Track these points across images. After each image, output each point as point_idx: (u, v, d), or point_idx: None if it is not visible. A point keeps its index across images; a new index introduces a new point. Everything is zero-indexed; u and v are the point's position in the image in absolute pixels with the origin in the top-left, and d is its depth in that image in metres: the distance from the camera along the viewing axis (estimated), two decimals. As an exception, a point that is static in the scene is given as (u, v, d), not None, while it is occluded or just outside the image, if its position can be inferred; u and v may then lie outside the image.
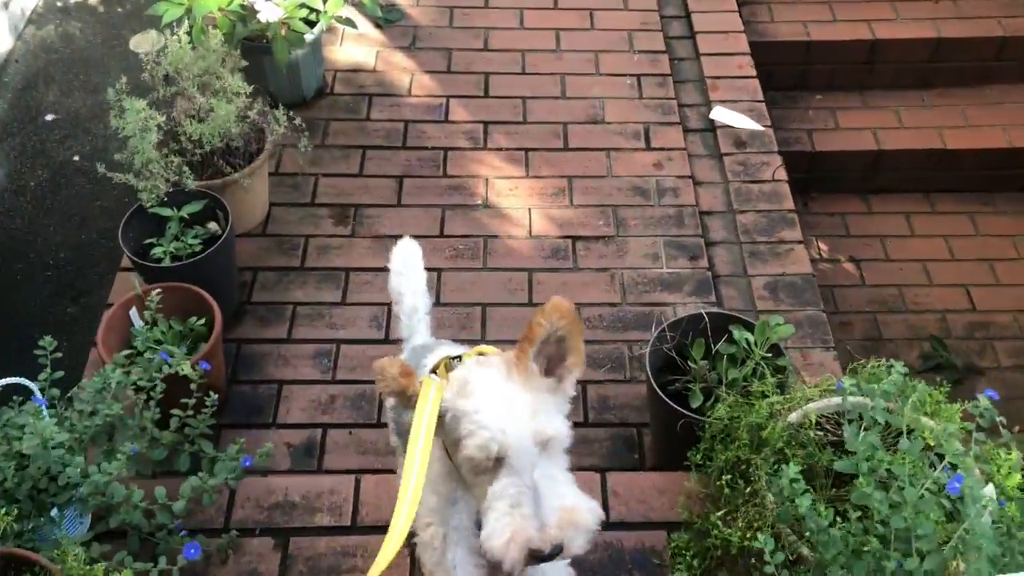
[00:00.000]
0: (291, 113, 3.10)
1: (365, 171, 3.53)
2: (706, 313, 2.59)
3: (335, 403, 2.84)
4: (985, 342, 3.93)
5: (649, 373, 2.52)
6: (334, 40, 4.02)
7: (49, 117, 4.54)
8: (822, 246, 4.32)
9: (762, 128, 3.72)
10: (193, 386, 2.29)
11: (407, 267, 2.25)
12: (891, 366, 2.12)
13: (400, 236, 3.15)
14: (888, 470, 1.76)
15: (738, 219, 3.40)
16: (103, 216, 4.00)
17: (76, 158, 4.31)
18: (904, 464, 1.68)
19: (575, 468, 2.61)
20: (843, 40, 4.45)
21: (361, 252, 3.26)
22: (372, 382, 2.85)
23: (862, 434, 1.90)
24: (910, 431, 1.85)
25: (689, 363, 2.56)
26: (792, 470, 1.72)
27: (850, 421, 1.97)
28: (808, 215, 4.45)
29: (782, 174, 3.56)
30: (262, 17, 3.09)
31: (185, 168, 2.83)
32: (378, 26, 4.12)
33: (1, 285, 3.81)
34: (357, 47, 4.03)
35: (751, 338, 2.48)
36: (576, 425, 2.71)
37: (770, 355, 2.46)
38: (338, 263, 3.22)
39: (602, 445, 2.74)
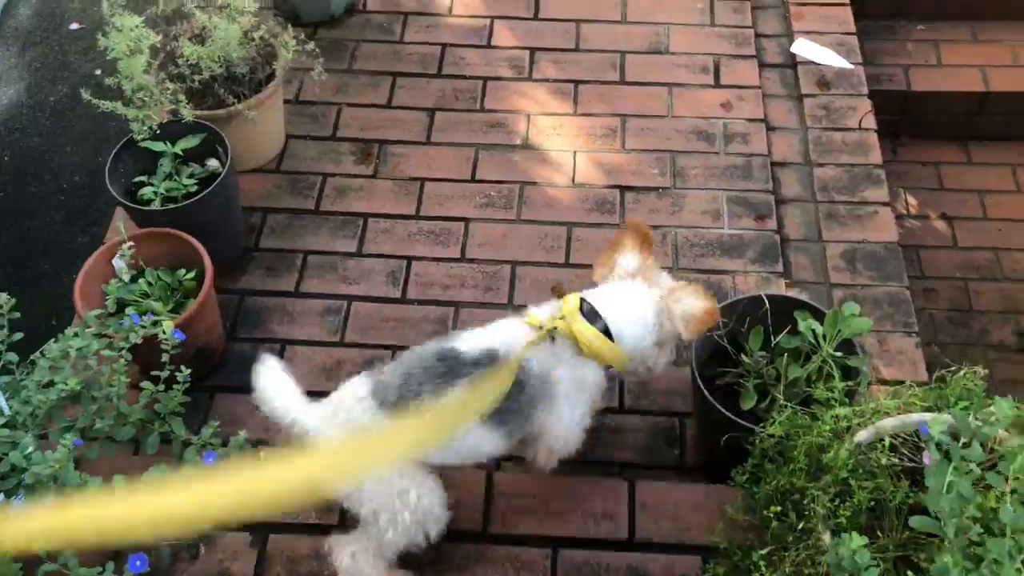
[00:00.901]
0: (303, 35, 2.73)
1: (394, 101, 3.16)
2: (767, 297, 2.19)
3: (342, 369, 2.54)
4: (1093, 319, 3.44)
5: (694, 366, 2.15)
6: (369, -50, 3.59)
7: (74, 26, 4.24)
8: (911, 200, 3.82)
9: (851, 66, 3.22)
10: (165, 357, 2.00)
11: (277, 393, 1.78)
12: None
13: (426, 179, 2.89)
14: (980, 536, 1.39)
15: (815, 173, 2.94)
16: (119, 138, 3.70)
17: (98, 72, 4.01)
18: (1003, 539, 1.30)
19: (605, 462, 2.35)
20: (955, -39, 3.85)
21: (383, 195, 2.91)
22: (384, 347, 2.56)
23: (948, 478, 1.51)
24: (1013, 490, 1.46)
25: (744, 355, 2.18)
26: (856, 542, 1.35)
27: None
28: (897, 163, 3.94)
29: (870, 122, 3.07)
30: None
31: (181, 97, 2.50)
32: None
33: (15, 210, 3.58)
34: (395, -41, 3.59)
35: (819, 330, 2.09)
36: (609, 411, 2.41)
37: (841, 353, 2.07)
38: (357, 207, 2.88)
39: (638, 437, 2.40)
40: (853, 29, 3.35)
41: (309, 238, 2.81)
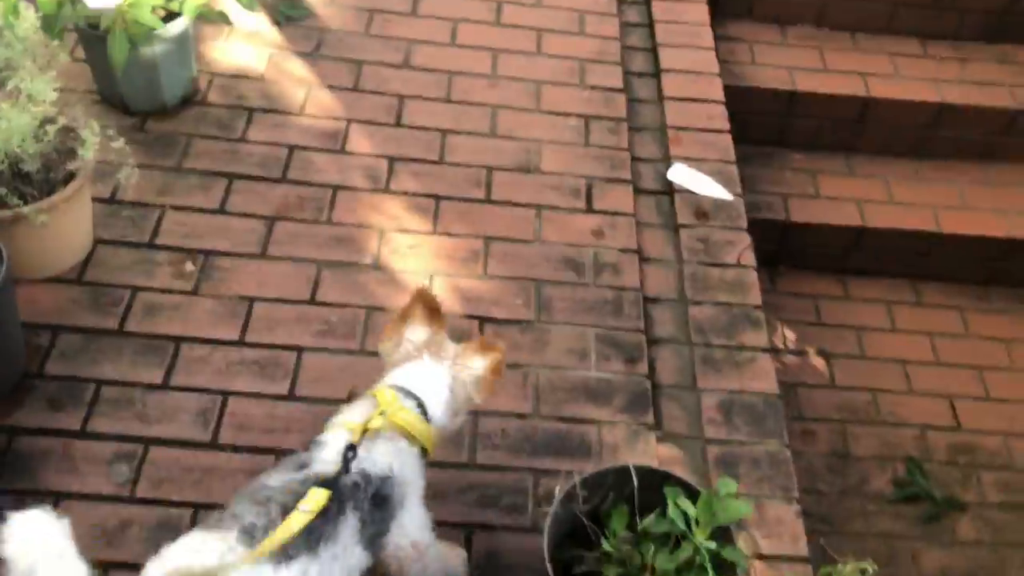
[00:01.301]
0: (118, 128, 2.34)
1: (227, 207, 2.77)
2: (635, 469, 1.88)
3: (126, 533, 2.07)
4: (970, 470, 3.28)
5: (546, 550, 1.80)
6: (217, 34, 3.25)
7: None
8: (788, 334, 3.64)
9: (730, 197, 3.04)
10: None
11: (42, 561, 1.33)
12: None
13: (256, 299, 2.50)
14: None
15: (691, 312, 2.70)
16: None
17: None
18: None
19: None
20: (833, 94, 3.80)
21: (202, 316, 2.49)
22: (185, 504, 2.11)
23: None
24: None
25: (605, 537, 1.84)
26: None
27: None
28: (774, 294, 3.78)
29: (750, 258, 2.87)
30: (91, 3, 2.32)
31: (-57, 196, 2.05)
32: (276, 23, 3.36)
33: None
34: (246, 46, 3.26)
35: (692, 512, 1.78)
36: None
37: (716, 542, 1.76)
38: (168, 329, 2.45)
39: (479, 630, 2.01)
40: (733, 157, 3.19)
41: (106, 364, 2.36)
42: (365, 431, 1.63)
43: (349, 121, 3.07)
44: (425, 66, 3.31)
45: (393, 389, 1.73)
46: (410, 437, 1.69)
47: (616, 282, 2.73)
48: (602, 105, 3.28)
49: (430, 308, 1.85)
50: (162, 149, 2.88)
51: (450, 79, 3.27)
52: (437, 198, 2.88)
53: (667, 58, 3.51)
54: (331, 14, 3.44)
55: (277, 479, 1.54)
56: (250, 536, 1.41)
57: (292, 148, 2.95)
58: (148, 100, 2.91)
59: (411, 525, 1.74)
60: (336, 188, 2.86)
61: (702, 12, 3.76)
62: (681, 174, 3.08)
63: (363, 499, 1.56)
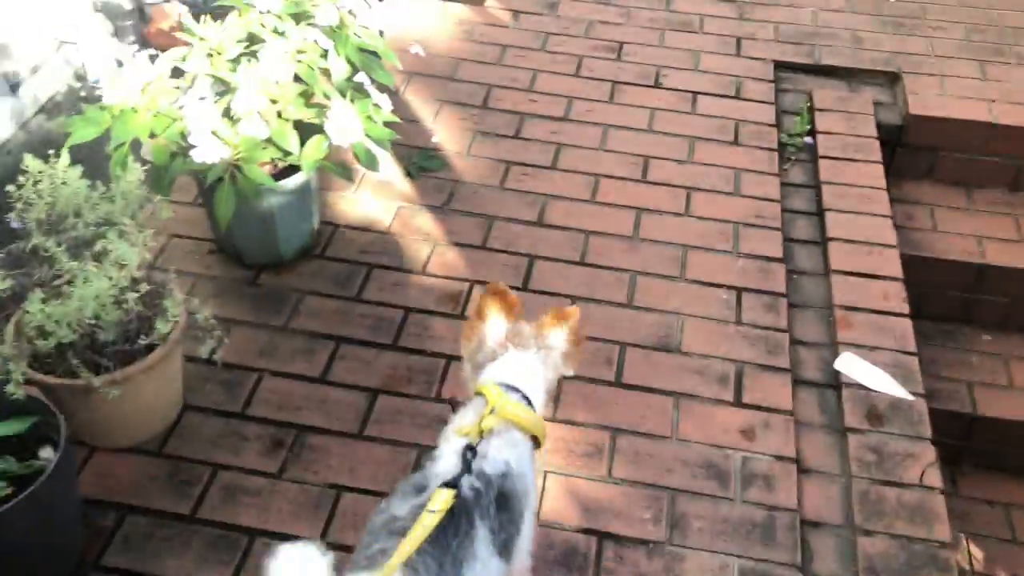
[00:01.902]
0: (197, 301, 2.13)
1: (330, 375, 2.52)
2: None
3: None
4: None
5: None
6: (346, 184, 3.09)
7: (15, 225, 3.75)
8: (974, 551, 3.03)
9: (910, 397, 2.54)
10: None
11: None
12: None
13: (345, 488, 2.20)
14: None
15: (860, 544, 2.19)
16: None
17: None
18: None
19: None
20: (1031, 269, 3.27)
21: (283, 506, 2.20)
22: None
23: None
24: None
25: None
26: None
27: None
28: (957, 499, 3.20)
29: (935, 477, 2.35)
30: (196, 157, 2.16)
31: (11, 365, 1.87)
32: (409, 175, 3.18)
33: None
34: (375, 197, 3.09)
35: None
36: None
37: None
38: (245, 519, 2.16)
39: None
40: (914, 347, 2.70)
41: (170, 559, 2.08)
42: (481, 432, 1.61)
43: (472, 283, 2.80)
44: (560, 224, 3.02)
45: (496, 385, 1.69)
46: (522, 429, 1.67)
47: (768, 499, 2.26)
48: (757, 276, 2.88)
49: (503, 300, 1.81)
50: (272, 305, 2.68)
51: (586, 239, 2.97)
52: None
53: (835, 224, 3.10)
54: (467, 166, 3.24)
55: (403, 507, 1.49)
56: (413, 570, 1.38)
57: (408, 311, 2.70)
58: (263, 252, 2.74)
59: (525, 536, 1.69)
60: (450, 358, 2.56)
61: (876, 173, 3.34)
62: (851, 365, 2.61)
63: (488, 504, 1.53)
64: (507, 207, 3.07)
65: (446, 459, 1.59)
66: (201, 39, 2.40)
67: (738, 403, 2.50)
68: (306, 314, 2.68)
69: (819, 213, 3.19)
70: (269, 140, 2.34)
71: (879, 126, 3.56)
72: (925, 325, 3.27)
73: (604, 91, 3.63)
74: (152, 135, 2.27)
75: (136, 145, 2.28)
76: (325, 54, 2.45)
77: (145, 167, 2.19)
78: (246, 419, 2.39)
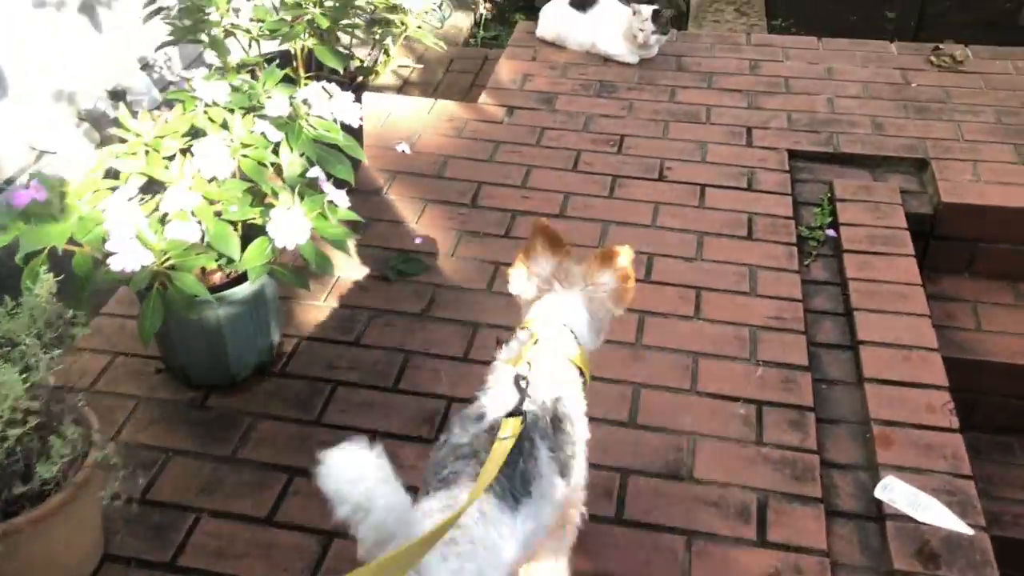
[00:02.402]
0: (96, 433, 1.79)
1: (280, 514, 2.15)
2: None
3: None
4: None
5: None
6: (316, 290, 2.79)
7: None
8: None
9: (969, 531, 2.12)
10: None
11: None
12: None
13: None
14: None
15: None
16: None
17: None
18: None
19: None
20: (1099, 376, 2.86)
21: None
22: None
23: None
24: None
25: None
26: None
27: None
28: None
29: (1008, 636, 1.92)
30: (113, 265, 1.87)
31: None
32: (387, 278, 2.88)
33: None
34: (346, 305, 2.78)
35: None
36: None
37: None
38: None
39: None
40: (968, 468, 2.29)
41: None
42: (528, 363, 1.64)
43: (451, 400, 2.45)
44: (553, 332, 2.68)
45: (541, 319, 1.74)
46: (568, 360, 1.69)
47: (802, 666, 1.84)
48: (780, 388, 2.51)
49: (550, 239, 1.81)
50: (219, 432, 2.35)
51: (583, 349, 2.62)
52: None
53: (866, 326, 2.73)
54: (451, 268, 2.93)
55: (465, 436, 1.54)
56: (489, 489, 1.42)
57: (375, 435, 2.34)
58: (212, 371, 2.42)
59: (580, 462, 1.71)
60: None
61: (908, 267, 2.99)
62: (894, 492, 2.21)
63: (545, 427, 1.58)
64: (493, 313, 2.75)
65: (498, 388, 1.63)
66: (136, 134, 2.15)
67: (762, 542, 2.09)
68: (257, 441, 2.33)
69: (847, 313, 2.83)
70: (208, 244, 2.04)
71: (908, 216, 3.23)
72: (977, 438, 2.87)
73: (604, 186, 3.34)
74: (73, 242, 1.98)
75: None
76: (276, 148, 2.18)
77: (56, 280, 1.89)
78: (176, 572, 2.02)
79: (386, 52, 2.97)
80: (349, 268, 2.91)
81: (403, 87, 4.69)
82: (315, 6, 2.71)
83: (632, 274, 1.80)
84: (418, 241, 3.04)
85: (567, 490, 1.64)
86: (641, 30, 4.06)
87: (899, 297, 2.85)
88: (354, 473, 1.28)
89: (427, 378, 2.53)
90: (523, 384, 1.59)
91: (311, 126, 2.25)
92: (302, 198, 2.11)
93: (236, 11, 2.62)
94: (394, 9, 2.85)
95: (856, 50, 4.28)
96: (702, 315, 2.77)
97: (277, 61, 2.77)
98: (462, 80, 4.65)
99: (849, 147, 3.57)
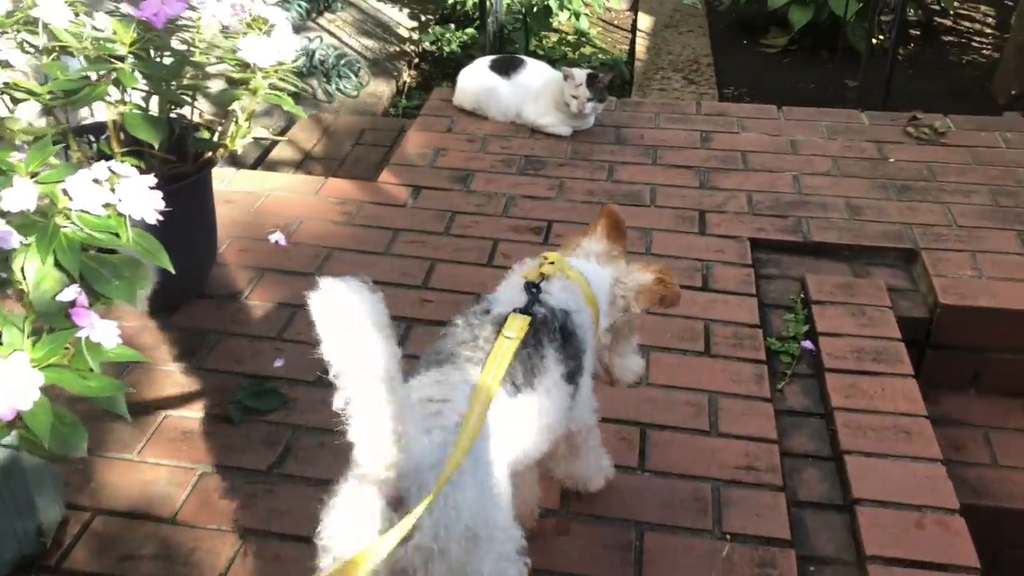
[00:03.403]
0: None
1: None
2: None
3: None
4: None
5: None
6: (131, 440, 2.06)
7: None
8: None
9: None
10: None
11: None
12: None
13: None
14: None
15: None
16: None
17: None
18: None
19: None
20: None
21: None
22: None
23: None
24: None
25: None
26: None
27: None
28: None
29: None
30: None
31: None
32: (229, 419, 2.16)
33: None
34: (166, 460, 2.05)
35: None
36: None
37: None
38: None
39: None
40: None
41: None
42: (542, 275, 1.62)
43: (294, 609, 1.72)
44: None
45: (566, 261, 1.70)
46: (584, 291, 1.65)
47: None
48: (754, 573, 1.82)
49: (615, 225, 1.82)
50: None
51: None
52: None
53: (861, 477, 2.07)
54: (319, 401, 2.22)
55: (467, 326, 1.52)
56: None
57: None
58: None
59: (584, 397, 1.70)
60: None
61: (909, 392, 2.36)
62: None
63: (555, 331, 1.55)
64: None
65: (508, 291, 1.61)
66: None
67: None
68: None
69: (835, 458, 2.17)
70: None
71: (900, 321, 2.61)
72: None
73: (525, 286, 2.68)
74: None
75: None
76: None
77: None
78: None
79: (237, 121, 2.30)
80: (179, 404, 2.19)
81: (303, 163, 4.04)
82: (130, 58, 2.04)
83: (672, 287, 1.75)
84: (278, 364, 2.33)
85: (571, 404, 1.62)
86: (574, 97, 3.46)
87: (900, 434, 2.20)
88: (351, 303, 1.14)
89: (271, 568, 1.80)
90: (533, 291, 1.57)
91: (77, 224, 1.55)
92: (39, 335, 1.39)
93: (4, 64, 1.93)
94: (246, 67, 2.19)
95: (821, 120, 3.72)
96: (648, 465, 2.09)
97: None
98: (372, 155, 4.00)
99: (822, 235, 2.96)
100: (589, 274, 1.70)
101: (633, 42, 6.20)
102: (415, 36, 5.86)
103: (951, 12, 6.30)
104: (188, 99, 2.29)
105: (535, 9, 5.43)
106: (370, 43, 5.71)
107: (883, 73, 4.19)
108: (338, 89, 5.00)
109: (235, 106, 2.24)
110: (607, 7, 6.42)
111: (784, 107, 3.83)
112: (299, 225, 2.92)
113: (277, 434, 2.13)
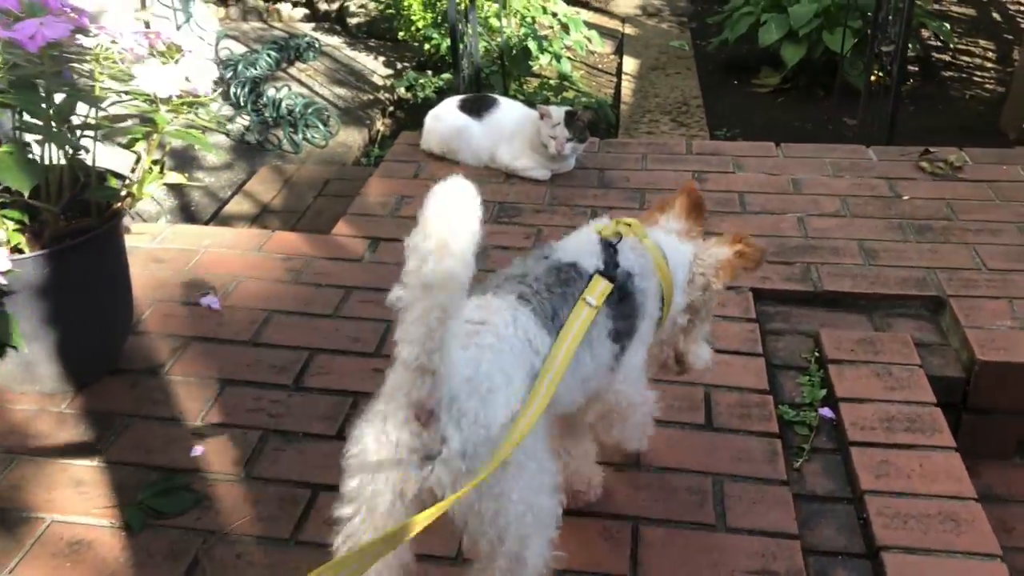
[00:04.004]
0: None
1: None
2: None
3: None
4: None
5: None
6: (4, 547, 1.66)
7: None
8: None
9: None
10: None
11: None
12: None
13: None
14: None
15: None
16: None
17: None
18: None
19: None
20: None
21: None
22: None
23: None
24: None
25: None
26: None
27: None
28: None
29: None
30: None
31: None
32: (127, 526, 1.76)
33: None
34: (46, 581, 1.65)
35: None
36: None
37: None
38: None
39: None
40: None
41: None
42: (618, 234, 1.58)
43: None
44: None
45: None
46: (655, 261, 1.61)
47: None
48: None
49: (695, 205, 1.77)
50: None
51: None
52: None
53: (905, 579, 1.68)
54: (240, 500, 1.83)
55: (521, 264, 1.53)
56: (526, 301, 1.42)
57: None
58: None
59: (630, 367, 1.61)
60: None
61: (951, 467, 1.97)
62: None
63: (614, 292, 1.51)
64: (295, 586, 1.64)
65: (573, 243, 1.57)
66: None
67: None
68: None
69: (871, 555, 1.78)
70: None
71: (931, 381, 2.24)
72: None
73: (494, 350, 2.31)
74: None
75: None
76: None
77: None
78: None
79: (153, 166, 1.95)
80: (70, 507, 1.80)
81: (259, 216, 3.69)
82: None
83: (752, 254, 1.70)
84: (196, 453, 1.95)
85: (615, 379, 1.57)
86: (552, 137, 3.12)
87: (947, 523, 1.81)
88: (470, 211, 1.15)
89: None
90: (611, 251, 1.54)
91: None
92: None
93: None
94: (153, 102, 1.84)
95: (825, 156, 3.38)
96: (642, 573, 1.69)
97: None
98: (336, 206, 3.65)
99: (835, 283, 2.59)
100: (666, 247, 1.66)
101: (619, 85, 5.91)
102: (390, 83, 5.57)
103: (951, 46, 6.03)
104: (79, 141, 1.93)
105: (513, 52, 5.15)
106: (343, 92, 5.42)
107: (885, 109, 3.87)
108: (305, 139, 4.68)
109: (139, 147, 1.89)
110: (590, 50, 6.15)
111: (784, 144, 3.50)
112: (236, 285, 2.55)
113: (184, 543, 1.73)
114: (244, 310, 2.44)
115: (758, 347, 2.32)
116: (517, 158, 3.24)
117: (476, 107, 3.35)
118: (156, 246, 2.75)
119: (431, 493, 1.23)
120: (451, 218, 1.13)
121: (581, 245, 1.56)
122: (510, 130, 3.27)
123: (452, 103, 3.41)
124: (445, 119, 3.37)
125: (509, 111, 3.34)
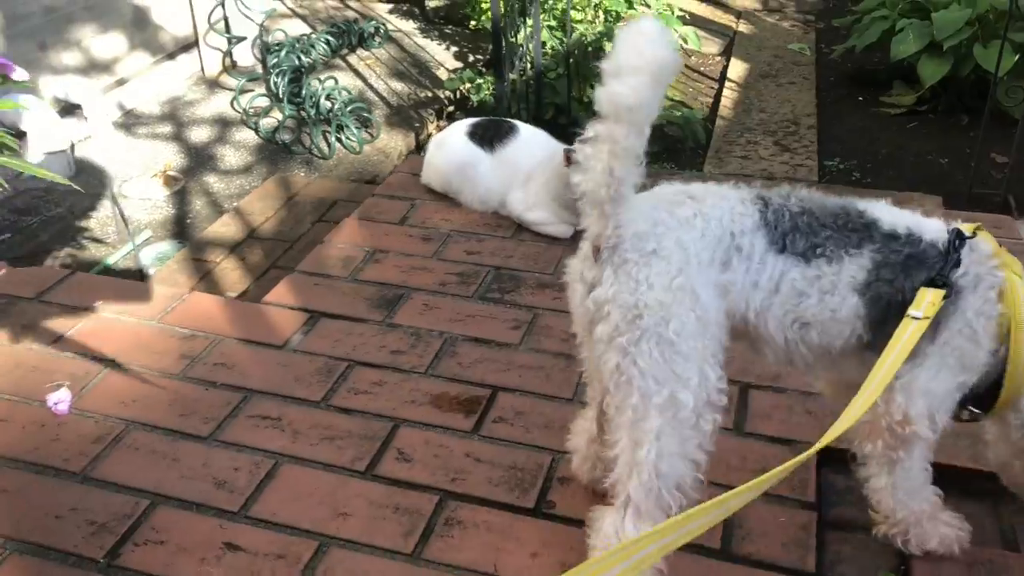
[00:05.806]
0: None
1: None
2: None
3: None
4: None
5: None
6: None
7: None
8: None
9: None
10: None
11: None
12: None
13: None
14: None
15: None
16: None
17: None
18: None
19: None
20: None
21: None
22: None
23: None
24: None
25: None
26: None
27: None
28: None
29: None
30: None
31: None
32: None
33: None
34: None
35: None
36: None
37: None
38: None
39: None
40: None
41: None
42: (974, 234, 1.40)
43: None
44: None
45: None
46: (1006, 293, 1.38)
47: None
48: None
49: None
50: None
51: None
52: None
53: None
54: None
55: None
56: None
57: None
58: None
59: (927, 379, 1.38)
60: None
61: None
62: None
63: (899, 252, 1.35)
64: None
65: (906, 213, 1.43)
66: None
67: None
68: None
69: None
70: None
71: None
72: None
73: (419, 516, 1.60)
74: None
75: None
76: None
77: None
78: None
79: None
80: None
81: (243, 244, 3.09)
82: None
83: None
84: None
85: (852, 320, 1.38)
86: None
87: None
88: (666, 54, 1.18)
89: None
90: (957, 243, 1.36)
91: None
92: None
93: None
94: None
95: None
96: None
97: None
98: (330, 238, 3.00)
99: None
100: None
101: (719, 93, 5.03)
102: (452, 79, 4.87)
103: None
104: None
105: (588, 49, 4.34)
106: (399, 86, 4.76)
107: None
108: (338, 139, 4.04)
109: None
110: (688, 51, 5.29)
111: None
112: (101, 378, 1.92)
113: None
114: (94, 418, 1.81)
115: (801, 562, 1.52)
116: (531, 208, 2.50)
117: (489, 136, 2.62)
118: (36, 300, 2.15)
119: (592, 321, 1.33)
120: (643, 49, 1.15)
121: (906, 216, 1.40)
122: (527, 169, 2.53)
123: (460, 129, 2.68)
124: (449, 150, 2.65)
125: (530, 144, 2.59)
